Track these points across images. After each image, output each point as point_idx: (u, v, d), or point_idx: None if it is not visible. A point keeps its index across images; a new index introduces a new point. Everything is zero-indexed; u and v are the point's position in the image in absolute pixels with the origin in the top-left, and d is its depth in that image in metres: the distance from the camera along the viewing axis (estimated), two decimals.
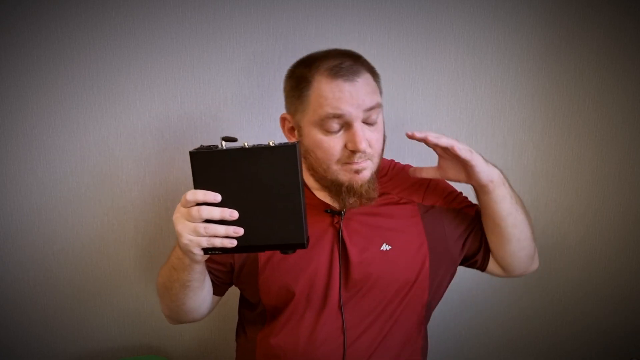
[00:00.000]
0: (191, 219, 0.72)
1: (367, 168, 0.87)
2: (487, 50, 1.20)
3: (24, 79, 1.16)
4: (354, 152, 0.84)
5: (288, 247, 0.76)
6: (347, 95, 0.83)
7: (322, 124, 0.84)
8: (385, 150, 1.11)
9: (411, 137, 0.86)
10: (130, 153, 1.20)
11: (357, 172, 0.86)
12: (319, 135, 0.86)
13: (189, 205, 0.73)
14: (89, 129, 1.19)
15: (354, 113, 0.83)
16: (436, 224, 0.95)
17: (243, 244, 0.74)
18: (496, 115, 1.22)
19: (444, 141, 0.84)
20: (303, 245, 0.75)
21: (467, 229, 0.97)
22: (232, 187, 0.73)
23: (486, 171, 0.86)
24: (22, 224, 1.21)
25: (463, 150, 0.84)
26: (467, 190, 0.99)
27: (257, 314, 0.97)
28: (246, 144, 0.73)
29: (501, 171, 0.90)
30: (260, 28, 1.17)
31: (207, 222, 0.72)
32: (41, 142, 1.19)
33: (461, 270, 1.08)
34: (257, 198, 0.73)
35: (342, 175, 0.87)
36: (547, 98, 1.22)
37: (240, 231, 0.73)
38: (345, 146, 0.85)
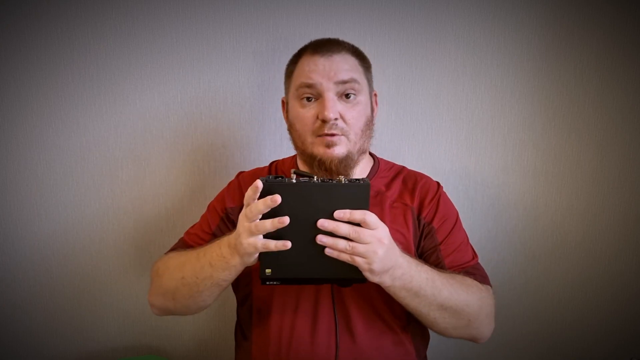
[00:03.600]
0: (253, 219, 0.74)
1: (339, 144, 0.89)
2: (487, 50, 1.20)
3: (24, 79, 1.16)
4: (323, 121, 0.88)
5: (350, 282, 0.80)
6: (320, 68, 0.89)
7: (298, 95, 0.91)
8: (384, 149, 1.11)
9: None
10: (130, 153, 1.20)
11: (328, 146, 0.89)
12: (297, 108, 0.92)
13: (253, 215, 0.73)
14: (89, 129, 1.19)
15: (325, 84, 0.88)
16: (423, 229, 0.95)
17: (304, 275, 0.77)
18: (496, 115, 1.22)
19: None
20: (363, 280, 0.77)
21: (432, 248, 0.94)
22: (299, 219, 0.73)
23: (371, 279, 0.78)
24: (22, 224, 1.21)
25: (344, 256, 0.75)
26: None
27: (245, 309, 0.98)
28: (316, 179, 0.75)
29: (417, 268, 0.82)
30: (260, 28, 1.17)
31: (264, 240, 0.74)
32: (41, 142, 1.19)
33: None
34: (323, 232, 0.74)
35: (316, 148, 0.90)
36: (547, 98, 1.22)
37: (288, 244, 0.74)
38: (317, 117, 0.89)
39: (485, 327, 0.94)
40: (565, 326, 1.31)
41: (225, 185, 1.05)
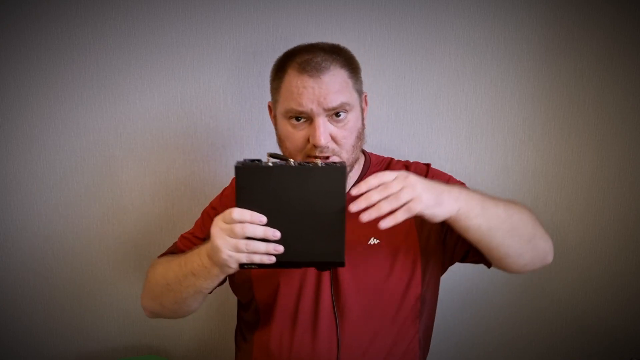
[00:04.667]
0: (233, 235, 0.72)
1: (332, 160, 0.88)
2: (487, 50, 1.19)
3: (24, 78, 1.16)
4: (314, 146, 0.86)
5: (327, 265, 0.78)
6: (309, 92, 0.85)
7: (287, 116, 0.88)
8: (384, 149, 1.11)
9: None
10: (130, 153, 1.20)
11: None
12: (287, 127, 0.89)
13: (232, 222, 0.72)
14: (89, 129, 1.19)
15: (315, 110, 0.85)
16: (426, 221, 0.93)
17: (281, 259, 0.74)
18: (496, 115, 1.22)
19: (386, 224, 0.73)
20: (342, 264, 0.76)
21: (445, 227, 0.92)
22: (275, 204, 0.73)
23: (440, 215, 0.76)
24: (22, 224, 1.21)
25: (400, 214, 0.73)
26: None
27: (251, 313, 0.97)
28: (292, 162, 0.74)
29: (468, 194, 0.80)
30: (260, 28, 1.17)
31: (248, 239, 0.72)
32: (41, 142, 1.19)
33: (461, 270, 1.08)
34: (300, 215, 0.74)
35: None
36: (547, 98, 1.22)
37: (280, 249, 0.73)
38: (308, 140, 0.87)
39: (545, 241, 0.88)
40: (565, 326, 1.31)
41: (223, 187, 1.05)
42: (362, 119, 0.94)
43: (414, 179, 0.73)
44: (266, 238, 0.72)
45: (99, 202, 1.22)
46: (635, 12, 1.18)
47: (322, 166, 0.73)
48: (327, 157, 0.87)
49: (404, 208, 0.72)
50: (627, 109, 1.22)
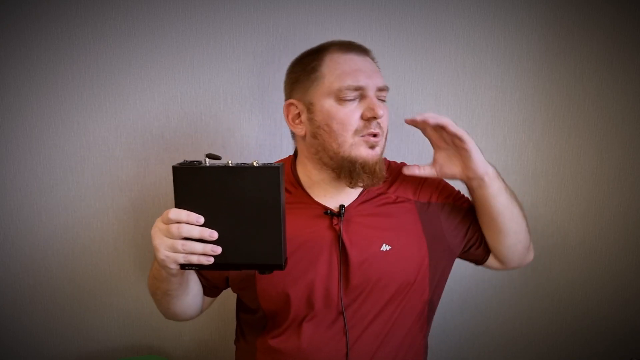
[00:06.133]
0: (170, 236, 0.72)
1: (378, 145, 0.88)
2: (487, 50, 1.20)
3: (24, 78, 1.16)
4: (369, 120, 0.86)
5: (265, 268, 0.76)
6: (362, 67, 0.87)
7: (339, 94, 0.85)
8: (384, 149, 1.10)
9: (411, 122, 0.88)
10: (130, 153, 1.20)
11: (372, 147, 0.87)
12: (334, 106, 0.86)
13: (170, 222, 0.72)
14: (89, 129, 1.19)
15: (370, 85, 0.86)
16: (433, 221, 0.95)
17: (220, 261, 0.74)
18: (496, 115, 1.22)
19: (443, 120, 0.86)
20: (280, 267, 0.75)
21: (463, 221, 0.98)
22: (213, 204, 0.73)
23: (482, 161, 0.88)
24: (22, 224, 1.22)
25: (458, 129, 0.86)
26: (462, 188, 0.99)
27: (257, 319, 0.96)
28: (230, 163, 0.73)
29: (494, 167, 0.91)
30: (260, 28, 1.17)
31: (185, 239, 0.72)
32: (41, 142, 1.19)
33: (461, 270, 1.09)
34: (238, 217, 0.73)
35: (357, 150, 0.86)
36: (547, 98, 1.22)
37: (217, 250, 0.73)
38: (361, 117, 0.86)
39: (529, 235, 1.00)
40: (565, 326, 1.31)
41: None
42: None
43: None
44: (203, 238, 0.72)
45: (99, 202, 1.22)
46: (635, 12, 1.18)
47: (257, 166, 0.72)
48: (376, 135, 0.87)
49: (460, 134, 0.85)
50: (627, 109, 1.22)
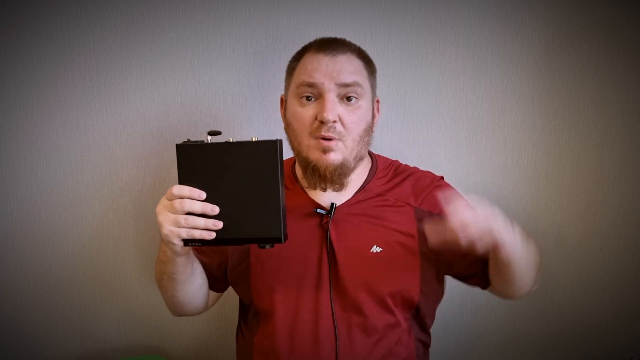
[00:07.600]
0: (173, 211, 0.75)
1: (335, 150, 0.86)
2: (487, 50, 1.19)
3: (24, 78, 1.16)
4: (321, 122, 0.85)
5: (265, 241, 0.77)
6: (323, 67, 0.86)
7: (298, 93, 0.88)
8: (384, 150, 1.11)
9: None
10: (130, 153, 1.20)
11: (325, 151, 0.86)
12: (296, 106, 0.89)
13: (173, 198, 0.75)
14: (89, 129, 1.19)
15: (326, 84, 0.85)
16: None
17: (222, 236, 0.76)
18: (496, 115, 1.22)
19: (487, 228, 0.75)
20: (280, 240, 0.77)
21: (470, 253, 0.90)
22: (214, 180, 0.76)
23: (513, 250, 0.79)
24: (22, 224, 1.22)
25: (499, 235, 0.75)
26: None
27: (252, 316, 0.97)
28: (230, 139, 0.76)
29: (520, 230, 0.82)
30: (260, 28, 1.17)
31: (188, 215, 0.75)
32: (41, 142, 1.19)
33: None
34: (238, 192, 0.75)
35: (312, 153, 0.87)
36: (547, 98, 1.22)
37: (219, 224, 0.75)
38: (316, 117, 0.86)
39: (536, 275, 0.94)
40: (565, 326, 1.31)
41: None
42: (373, 119, 0.93)
43: (493, 209, 0.76)
44: (205, 213, 0.75)
45: (99, 202, 1.22)
46: (635, 12, 1.18)
47: (256, 141, 0.74)
48: (331, 139, 0.85)
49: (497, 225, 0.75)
50: (627, 109, 1.22)
